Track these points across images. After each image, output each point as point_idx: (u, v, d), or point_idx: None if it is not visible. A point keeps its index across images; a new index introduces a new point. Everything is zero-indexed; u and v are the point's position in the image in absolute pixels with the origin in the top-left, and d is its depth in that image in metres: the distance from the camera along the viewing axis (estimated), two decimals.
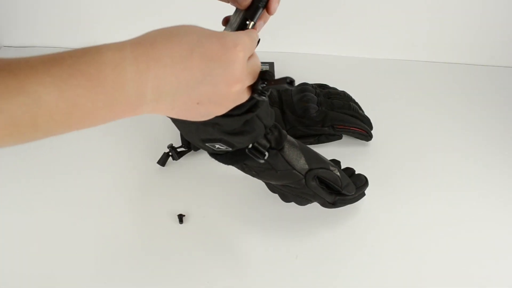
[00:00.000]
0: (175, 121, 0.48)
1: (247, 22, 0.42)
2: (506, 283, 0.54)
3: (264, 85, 0.38)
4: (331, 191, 0.56)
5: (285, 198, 0.58)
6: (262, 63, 0.87)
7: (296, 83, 0.73)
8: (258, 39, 0.40)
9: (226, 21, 0.45)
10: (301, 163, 0.52)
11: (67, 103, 0.27)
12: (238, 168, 0.54)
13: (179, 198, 0.62)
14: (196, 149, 0.69)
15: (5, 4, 0.88)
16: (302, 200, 0.57)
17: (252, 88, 0.39)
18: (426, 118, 0.79)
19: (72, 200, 0.62)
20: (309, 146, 0.56)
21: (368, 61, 0.93)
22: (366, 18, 0.89)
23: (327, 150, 0.63)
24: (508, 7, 0.86)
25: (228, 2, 0.44)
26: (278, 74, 0.85)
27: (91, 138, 0.71)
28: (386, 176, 0.67)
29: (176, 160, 0.67)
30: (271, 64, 0.88)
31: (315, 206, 0.59)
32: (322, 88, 0.77)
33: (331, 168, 0.55)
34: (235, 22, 0.43)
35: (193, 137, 0.48)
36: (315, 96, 0.72)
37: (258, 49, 0.40)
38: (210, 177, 0.66)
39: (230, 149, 0.48)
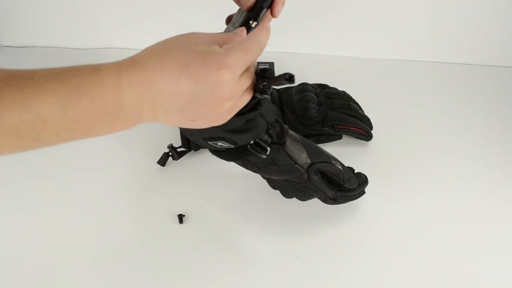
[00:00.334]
0: None
1: (250, 22, 0.42)
2: (506, 283, 0.54)
3: (265, 83, 0.37)
4: (332, 186, 0.56)
5: (287, 193, 0.58)
6: (262, 63, 0.87)
7: (296, 83, 0.73)
8: (267, 36, 0.37)
9: (229, 19, 0.44)
10: (303, 157, 0.52)
11: (70, 120, 0.29)
12: (240, 164, 0.53)
13: (179, 198, 0.62)
14: (196, 149, 0.69)
15: (5, 4, 0.88)
16: (304, 195, 0.57)
17: (254, 87, 0.39)
18: (426, 118, 0.79)
19: (72, 200, 0.62)
20: None
21: (368, 61, 0.93)
22: (366, 18, 0.89)
23: (327, 150, 0.63)
24: (508, 7, 0.86)
25: None
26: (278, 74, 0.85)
27: (91, 138, 0.71)
28: (386, 176, 0.67)
29: (176, 160, 0.67)
30: (271, 64, 0.88)
31: (315, 205, 0.59)
32: (322, 88, 0.77)
33: (333, 161, 0.55)
34: (237, 22, 0.43)
35: (196, 135, 0.48)
36: (315, 96, 0.72)
37: None
38: (210, 177, 0.66)
39: (232, 146, 0.48)
